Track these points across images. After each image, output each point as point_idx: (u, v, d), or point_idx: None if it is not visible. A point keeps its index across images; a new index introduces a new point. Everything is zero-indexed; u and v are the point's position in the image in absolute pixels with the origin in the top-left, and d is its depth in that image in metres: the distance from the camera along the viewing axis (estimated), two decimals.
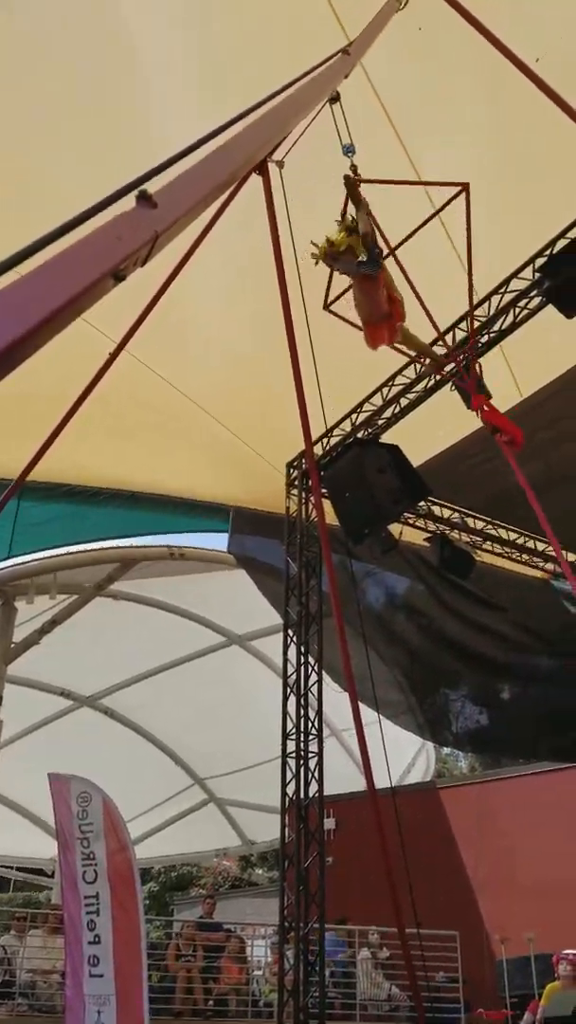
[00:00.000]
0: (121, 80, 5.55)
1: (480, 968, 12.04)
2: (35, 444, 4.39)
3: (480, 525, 10.06)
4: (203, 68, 5.61)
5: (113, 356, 4.06)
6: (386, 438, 8.30)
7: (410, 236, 5.45)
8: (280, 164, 3.79)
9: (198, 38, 5.46)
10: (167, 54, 5.52)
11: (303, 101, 2.59)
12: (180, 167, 1.79)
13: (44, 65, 5.38)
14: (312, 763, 8.26)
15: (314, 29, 5.18)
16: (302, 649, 8.65)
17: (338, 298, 5.32)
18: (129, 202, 1.51)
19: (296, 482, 9.11)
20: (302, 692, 8.48)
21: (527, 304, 7.03)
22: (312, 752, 8.30)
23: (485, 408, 5.02)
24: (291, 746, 8.29)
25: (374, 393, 8.18)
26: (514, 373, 7.80)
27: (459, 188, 4.69)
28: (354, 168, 4.45)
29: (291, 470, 9.16)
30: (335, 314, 5.23)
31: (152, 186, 1.57)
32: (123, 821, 7.87)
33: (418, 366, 7.80)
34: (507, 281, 7.07)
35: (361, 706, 5.90)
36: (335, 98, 3.84)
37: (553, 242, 6.69)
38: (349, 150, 4.29)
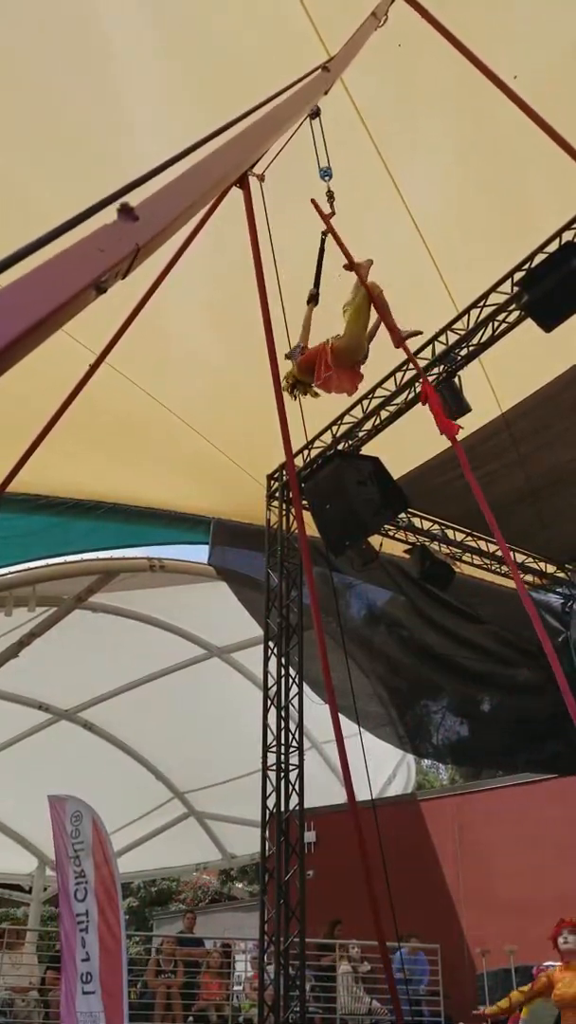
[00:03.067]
0: (100, 96, 5.55)
1: (461, 980, 12.02)
2: (14, 456, 4.37)
3: (460, 537, 10.11)
4: (183, 84, 5.64)
5: (93, 367, 4.06)
6: (366, 450, 8.34)
7: None
8: (261, 178, 3.81)
9: (178, 54, 5.49)
10: (147, 69, 5.55)
11: (283, 116, 2.61)
12: (161, 180, 1.80)
13: (22, 81, 5.38)
14: (293, 776, 8.24)
15: (295, 45, 5.22)
16: (283, 661, 8.64)
17: None
18: (110, 215, 1.52)
19: (277, 494, 9.12)
20: (283, 705, 8.46)
21: (506, 318, 7.09)
22: (293, 765, 8.28)
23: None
24: (271, 759, 8.27)
25: (354, 405, 8.21)
26: (493, 386, 7.86)
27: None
28: (330, 193, 4.44)
29: (272, 482, 9.17)
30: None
31: (132, 199, 1.58)
32: (108, 836, 7.90)
33: (398, 378, 7.84)
34: (486, 295, 7.13)
35: (341, 718, 5.91)
36: (315, 113, 3.86)
37: (532, 256, 6.76)
38: (326, 174, 4.29)
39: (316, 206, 4.37)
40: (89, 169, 5.55)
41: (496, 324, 7.15)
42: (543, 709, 10.82)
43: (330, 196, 4.44)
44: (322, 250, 4.54)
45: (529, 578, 10.88)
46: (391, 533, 9.57)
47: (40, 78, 5.41)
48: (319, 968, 11.00)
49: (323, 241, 4.54)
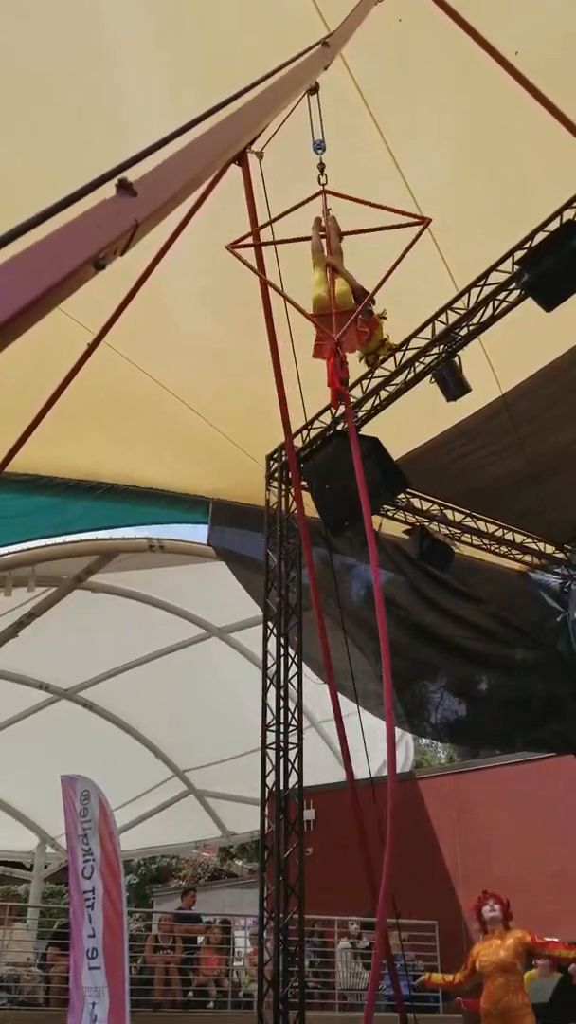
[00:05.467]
0: (97, 85, 5.50)
1: (459, 957, 12.13)
2: (13, 436, 4.37)
3: (459, 517, 10.11)
4: (182, 62, 5.58)
5: (92, 347, 4.05)
6: (366, 430, 8.32)
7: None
8: (260, 155, 3.79)
9: (176, 31, 5.43)
10: (144, 48, 5.49)
11: (282, 92, 2.59)
12: (159, 156, 1.79)
13: (18, 71, 5.33)
14: (292, 754, 8.29)
15: (294, 20, 5.16)
16: (282, 641, 8.67)
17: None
18: (109, 191, 1.51)
19: (276, 474, 9.11)
20: (282, 684, 8.49)
21: (506, 297, 7.05)
22: (292, 744, 8.32)
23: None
24: (271, 738, 8.31)
25: (354, 385, 8.17)
26: (494, 367, 7.83)
27: (420, 223, 4.63)
28: (321, 166, 4.45)
29: (271, 462, 9.16)
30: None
31: (131, 175, 1.56)
32: (111, 813, 8.01)
33: (398, 358, 7.82)
34: (486, 274, 7.08)
35: (340, 698, 5.94)
36: (314, 89, 3.83)
37: (532, 235, 6.71)
38: (319, 147, 4.29)
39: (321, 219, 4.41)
40: (85, 154, 5.50)
41: (496, 303, 7.11)
42: (541, 688, 10.87)
43: (321, 168, 4.45)
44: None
45: (528, 558, 10.89)
46: (390, 514, 9.57)
47: (36, 67, 5.36)
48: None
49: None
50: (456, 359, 7.35)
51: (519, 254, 6.81)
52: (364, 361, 4.55)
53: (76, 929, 7.92)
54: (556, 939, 7.74)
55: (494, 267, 7.04)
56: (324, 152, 4.35)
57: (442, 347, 7.46)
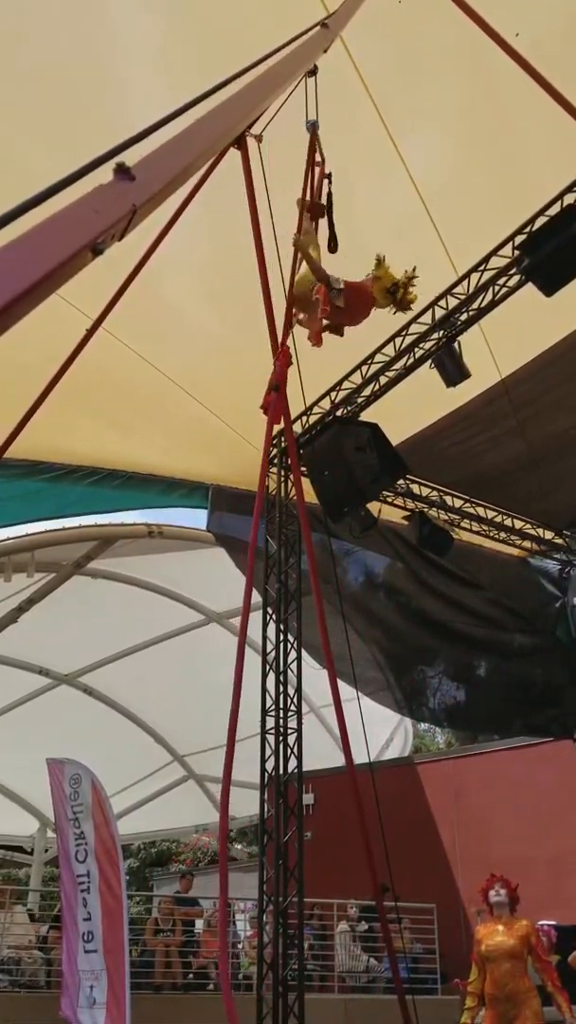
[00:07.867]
0: (94, 58, 5.45)
1: (457, 939, 12.22)
2: (10, 422, 4.35)
3: (459, 503, 10.11)
4: (178, 45, 5.53)
5: (90, 333, 4.02)
6: (365, 416, 8.30)
7: None
8: (259, 138, 3.75)
9: (173, 13, 5.38)
10: (144, 30, 5.44)
11: (281, 75, 2.56)
12: (157, 140, 1.77)
13: (14, 44, 5.28)
14: (291, 739, 8.31)
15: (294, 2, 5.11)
16: (281, 627, 8.68)
17: None
18: (106, 175, 1.49)
19: (275, 460, 9.10)
20: (281, 669, 8.51)
21: (506, 282, 7.02)
22: (291, 728, 8.35)
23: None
24: (270, 723, 8.34)
25: (353, 371, 8.16)
26: (493, 352, 7.80)
27: None
28: (312, 128, 4.41)
29: (270, 448, 9.15)
30: None
31: (128, 159, 1.55)
32: (107, 797, 8.00)
33: (397, 343, 7.79)
34: (486, 259, 7.05)
35: (340, 683, 5.94)
36: (313, 72, 3.79)
37: (533, 219, 6.67)
38: (312, 125, 4.26)
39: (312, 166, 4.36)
40: (86, 135, 5.45)
41: (497, 288, 7.08)
42: (538, 674, 10.90)
43: (312, 130, 4.42)
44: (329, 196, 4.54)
45: (527, 544, 10.90)
46: (390, 499, 9.56)
47: (37, 43, 5.31)
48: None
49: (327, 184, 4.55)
50: (456, 344, 7.32)
51: (519, 239, 6.77)
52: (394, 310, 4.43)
53: (69, 912, 7.93)
54: (554, 958, 7.80)
55: (494, 252, 7.00)
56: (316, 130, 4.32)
57: (442, 332, 7.44)
